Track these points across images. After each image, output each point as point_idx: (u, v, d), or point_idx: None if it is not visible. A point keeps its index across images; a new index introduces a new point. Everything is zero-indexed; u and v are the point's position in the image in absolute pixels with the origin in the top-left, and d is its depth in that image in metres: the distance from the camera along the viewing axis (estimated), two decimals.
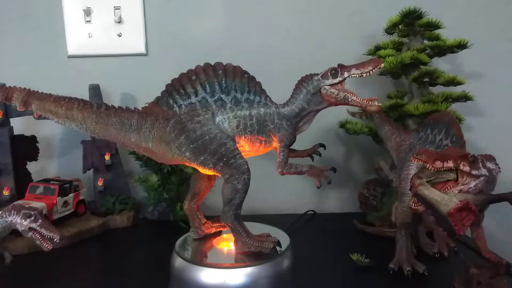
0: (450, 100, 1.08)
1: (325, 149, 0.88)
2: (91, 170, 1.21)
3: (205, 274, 0.70)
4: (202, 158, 0.71)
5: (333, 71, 0.76)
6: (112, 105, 0.74)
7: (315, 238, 1.08)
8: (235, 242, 0.75)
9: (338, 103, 0.78)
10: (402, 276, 0.81)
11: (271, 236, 0.76)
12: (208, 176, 0.82)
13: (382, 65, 0.74)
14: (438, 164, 0.64)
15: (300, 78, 0.81)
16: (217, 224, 0.85)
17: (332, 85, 0.77)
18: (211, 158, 0.70)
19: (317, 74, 0.79)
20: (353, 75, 0.75)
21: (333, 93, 0.77)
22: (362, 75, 0.75)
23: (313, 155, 0.88)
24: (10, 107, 1.11)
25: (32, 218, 0.70)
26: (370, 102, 0.76)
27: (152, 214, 1.21)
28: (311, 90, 0.79)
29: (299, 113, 0.80)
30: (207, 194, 0.86)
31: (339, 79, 0.76)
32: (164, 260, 0.79)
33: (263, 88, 0.80)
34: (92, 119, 0.72)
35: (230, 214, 0.72)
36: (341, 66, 0.76)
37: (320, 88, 0.78)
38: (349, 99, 0.76)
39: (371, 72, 0.74)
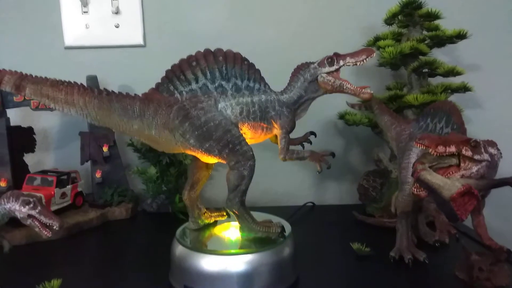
0: (449, 91, 1.08)
1: (315, 137, 0.90)
2: (89, 162, 1.20)
3: (206, 261, 0.70)
4: (207, 145, 0.70)
5: (330, 60, 0.79)
6: (112, 90, 0.72)
7: (315, 229, 1.08)
8: (241, 228, 0.75)
9: (334, 91, 0.81)
10: (403, 264, 0.81)
11: (272, 222, 0.76)
12: (206, 164, 0.82)
13: (374, 54, 0.78)
14: (441, 149, 0.64)
15: (296, 67, 0.83)
16: (216, 214, 0.85)
17: (328, 73, 0.79)
18: (216, 145, 0.70)
19: (313, 63, 0.81)
20: (348, 64, 0.78)
21: (330, 81, 0.79)
22: (356, 64, 0.78)
23: (304, 143, 0.90)
24: (7, 97, 1.10)
25: (31, 205, 0.69)
26: (363, 90, 0.79)
27: (150, 206, 1.20)
28: (308, 78, 0.81)
29: (297, 100, 0.82)
30: (205, 186, 0.85)
31: (335, 67, 0.79)
32: (163, 251, 0.78)
33: (262, 75, 0.80)
34: (94, 104, 0.69)
35: (237, 201, 0.72)
36: (336, 55, 0.79)
37: (317, 76, 0.80)
38: (344, 87, 0.79)
39: (364, 60, 0.78)
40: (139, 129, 0.72)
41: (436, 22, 1.08)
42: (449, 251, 0.89)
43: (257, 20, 1.27)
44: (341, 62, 0.78)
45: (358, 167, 1.32)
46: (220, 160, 0.73)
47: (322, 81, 0.79)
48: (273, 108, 0.78)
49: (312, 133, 0.89)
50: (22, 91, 0.68)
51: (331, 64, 0.79)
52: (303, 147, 0.88)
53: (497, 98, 1.30)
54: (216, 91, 0.75)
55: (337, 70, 0.79)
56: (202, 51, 0.75)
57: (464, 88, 1.08)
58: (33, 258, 0.90)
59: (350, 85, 0.79)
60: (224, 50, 0.76)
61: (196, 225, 0.81)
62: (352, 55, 0.78)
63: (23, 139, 1.16)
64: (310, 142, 0.89)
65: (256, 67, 0.79)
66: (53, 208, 1.05)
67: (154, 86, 0.75)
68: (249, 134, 0.77)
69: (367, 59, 0.77)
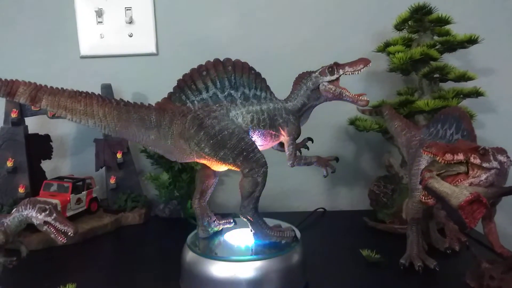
0: (461, 96, 1.07)
1: (312, 142, 0.91)
2: (104, 168, 1.22)
3: (216, 268, 0.71)
4: (222, 154, 0.72)
5: (330, 69, 0.82)
6: (128, 100, 0.73)
7: (325, 235, 1.08)
8: (255, 234, 0.76)
9: (334, 98, 0.84)
10: (413, 272, 0.81)
11: (281, 226, 0.77)
12: (214, 172, 0.83)
13: (370, 64, 0.81)
14: (448, 156, 0.64)
15: (297, 76, 0.87)
16: (224, 221, 0.86)
17: (329, 81, 0.82)
18: (231, 153, 0.71)
19: (314, 72, 0.84)
20: (347, 73, 0.82)
21: (331, 89, 0.82)
22: (354, 73, 0.82)
23: (301, 148, 0.92)
24: (25, 106, 1.14)
25: (47, 212, 0.72)
26: (360, 97, 0.82)
27: (163, 211, 1.22)
28: (310, 86, 0.84)
29: (301, 108, 0.85)
30: (216, 191, 0.87)
31: (335, 75, 0.82)
32: (175, 256, 0.80)
33: (267, 84, 0.83)
34: (114, 116, 0.69)
35: (251, 207, 0.73)
36: (336, 64, 0.82)
37: (319, 84, 0.83)
38: (343, 94, 0.82)
39: (361, 69, 0.81)
40: (156, 139, 0.72)
41: (447, 27, 1.08)
42: (460, 258, 0.88)
43: (267, 27, 1.29)
44: (341, 71, 0.82)
45: (369, 173, 1.31)
46: (233, 168, 0.74)
47: (324, 89, 0.83)
48: (280, 115, 0.80)
49: (309, 139, 0.91)
50: (37, 103, 0.67)
51: (331, 73, 0.82)
52: (301, 153, 0.89)
53: (511, 102, 1.28)
54: (226, 100, 0.76)
55: (337, 79, 0.82)
56: (211, 60, 0.76)
57: (476, 93, 1.07)
58: (49, 263, 0.92)
59: (349, 92, 0.82)
60: (234, 58, 0.78)
61: (206, 233, 0.82)
62: (350, 64, 0.81)
63: (41, 146, 1.20)
64: (307, 148, 0.92)
65: (262, 76, 0.81)
66: (69, 213, 1.08)
67: (166, 95, 0.77)
68: (259, 142, 0.78)
69: (364, 69, 0.81)
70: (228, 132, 0.72)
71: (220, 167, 0.78)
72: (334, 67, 0.82)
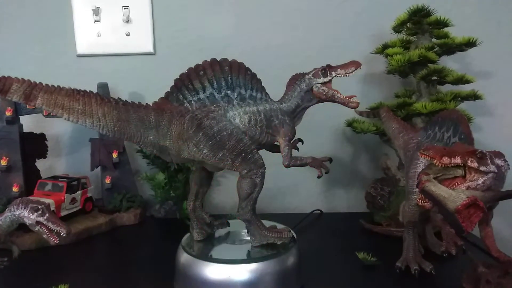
0: (459, 98, 1.07)
1: (302, 143, 0.91)
2: (99, 168, 1.21)
3: (210, 270, 0.70)
4: (220, 155, 0.71)
5: (323, 71, 0.82)
6: (126, 100, 0.71)
7: (321, 237, 1.07)
8: (252, 235, 0.75)
9: (326, 100, 0.84)
10: (409, 275, 0.80)
11: (276, 227, 0.77)
12: (209, 173, 0.82)
13: (361, 66, 0.82)
14: (446, 160, 0.63)
15: (291, 77, 0.86)
16: (218, 223, 0.85)
17: (322, 83, 0.82)
18: (229, 154, 0.71)
19: (307, 73, 0.84)
20: (339, 75, 0.82)
21: (324, 91, 0.82)
22: (346, 75, 0.82)
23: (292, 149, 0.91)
24: (20, 104, 1.13)
25: (40, 212, 0.71)
26: (351, 99, 0.82)
27: (158, 212, 1.21)
28: (304, 88, 0.84)
29: (295, 109, 0.85)
30: (213, 193, 0.86)
31: (328, 78, 0.82)
32: (170, 257, 0.79)
33: (262, 85, 0.83)
34: (113, 115, 0.67)
35: (249, 208, 0.73)
36: (329, 67, 0.83)
37: (312, 86, 0.83)
38: (335, 96, 0.83)
39: (353, 72, 0.82)
40: (154, 139, 0.71)
41: (446, 29, 1.07)
42: (457, 262, 0.88)
43: (265, 28, 1.28)
44: (333, 74, 0.82)
45: (366, 175, 1.31)
46: (231, 169, 0.73)
47: (317, 91, 0.82)
48: (276, 116, 0.80)
49: (300, 140, 0.91)
50: (32, 101, 0.63)
51: (325, 75, 0.82)
52: (291, 154, 0.89)
53: (509, 106, 1.28)
54: (223, 101, 0.75)
55: (329, 81, 0.82)
56: (208, 60, 0.76)
57: (474, 96, 1.07)
58: (42, 263, 0.91)
59: (340, 94, 0.82)
60: (231, 58, 0.77)
61: (201, 236, 0.81)
62: (342, 67, 0.82)
63: (35, 145, 1.19)
64: (298, 149, 0.91)
65: (259, 77, 0.81)
66: (63, 213, 1.07)
67: (163, 95, 0.76)
68: (256, 143, 0.78)
69: (355, 71, 0.81)
70: (227, 133, 0.71)
71: (217, 168, 0.77)
72: (326, 69, 0.82)
